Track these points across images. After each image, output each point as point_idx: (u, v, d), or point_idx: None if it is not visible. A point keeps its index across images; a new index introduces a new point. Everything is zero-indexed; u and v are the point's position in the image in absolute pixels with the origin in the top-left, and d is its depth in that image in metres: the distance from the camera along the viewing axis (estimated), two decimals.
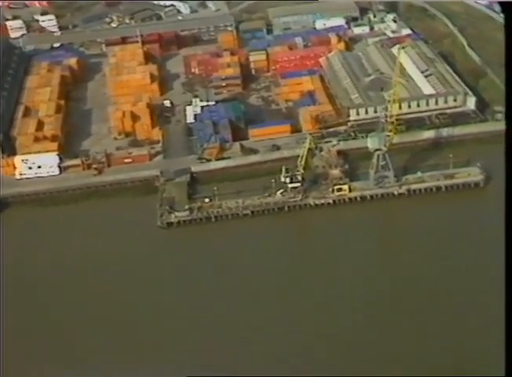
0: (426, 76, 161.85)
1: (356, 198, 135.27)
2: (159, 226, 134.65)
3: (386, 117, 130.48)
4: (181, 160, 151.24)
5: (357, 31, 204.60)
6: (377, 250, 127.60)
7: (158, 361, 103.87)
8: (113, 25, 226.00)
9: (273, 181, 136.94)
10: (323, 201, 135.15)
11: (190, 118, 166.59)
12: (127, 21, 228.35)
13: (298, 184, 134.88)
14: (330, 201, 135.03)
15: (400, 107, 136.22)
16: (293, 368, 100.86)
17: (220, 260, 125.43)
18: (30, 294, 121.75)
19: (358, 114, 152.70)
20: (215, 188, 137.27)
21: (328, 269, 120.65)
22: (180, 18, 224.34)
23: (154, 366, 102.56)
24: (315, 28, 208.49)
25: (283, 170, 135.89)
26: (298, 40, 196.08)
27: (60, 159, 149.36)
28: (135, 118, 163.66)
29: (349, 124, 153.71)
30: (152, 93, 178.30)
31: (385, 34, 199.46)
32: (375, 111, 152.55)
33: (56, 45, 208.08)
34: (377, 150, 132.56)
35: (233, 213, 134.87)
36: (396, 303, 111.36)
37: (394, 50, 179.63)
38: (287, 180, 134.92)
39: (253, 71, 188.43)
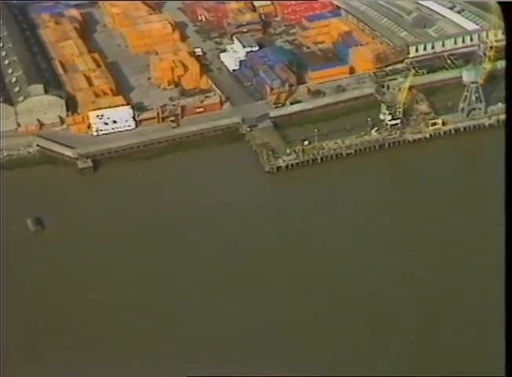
0: (458, 12, 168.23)
1: (450, 131, 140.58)
2: (267, 171, 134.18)
3: (486, 48, 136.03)
4: (250, 106, 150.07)
5: None
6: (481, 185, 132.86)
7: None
8: None
9: (369, 119, 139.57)
10: (420, 136, 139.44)
11: (232, 65, 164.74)
12: None
13: (398, 121, 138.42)
14: (427, 135, 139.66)
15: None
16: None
17: (336, 201, 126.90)
18: (130, 251, 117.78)
19: (417, 51, 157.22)
20: (316, 130, 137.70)
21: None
22: None
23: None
24: None
25: (383, 107, 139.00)
26: None
27: (134, 112, 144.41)
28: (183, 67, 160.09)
29: (407, 61, 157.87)
30: (174, 43, 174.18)
31: None
32: (432, 47, 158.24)
33: None
34: (473, 82, 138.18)
35: (337, 153, 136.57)
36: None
37: None
38: (388, 117, 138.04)
39: (262, 17, 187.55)
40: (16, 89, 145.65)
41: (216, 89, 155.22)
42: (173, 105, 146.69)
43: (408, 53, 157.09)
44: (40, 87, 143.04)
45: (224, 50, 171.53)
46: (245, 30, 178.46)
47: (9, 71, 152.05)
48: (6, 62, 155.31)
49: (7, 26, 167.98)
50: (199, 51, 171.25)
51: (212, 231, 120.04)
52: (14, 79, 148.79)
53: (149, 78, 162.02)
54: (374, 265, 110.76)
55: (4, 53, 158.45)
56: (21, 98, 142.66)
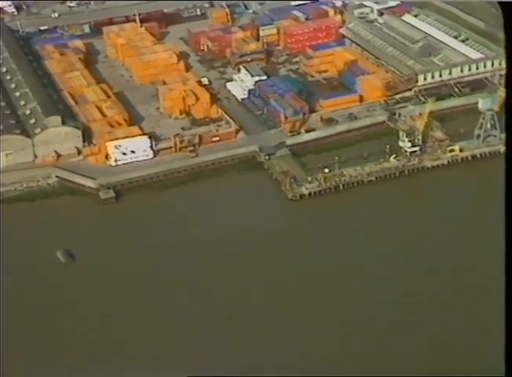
0: (462, 41, 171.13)
1: (467, 157, 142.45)
2: (290, 199, 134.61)
3: (501, 77, 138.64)
4: (264, 135, 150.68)
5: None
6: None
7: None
8: (70, 5, 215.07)
9: (388, 146, 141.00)
10: (438, 162, 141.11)
11: (241, 94, 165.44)
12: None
13: (418, 148, 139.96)
14: (445, 162, 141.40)
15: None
16: None
17: (360, 227, 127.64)
18: (158, 282, 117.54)
19: (425, 79, 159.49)
20: (336, 158, 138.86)
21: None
22: None
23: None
24: None
25: (402, 134, 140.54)
26: (298, 13, 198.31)
27: (151, 142, 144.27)
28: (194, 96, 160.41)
29: (415, 89, 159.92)
30: (179, 73, 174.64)
31: (364, 5, 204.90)
32: (440, 76, 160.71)
33: (43, 27, 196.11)
34: (488, 110, 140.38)
35: (358, 180, 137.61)
36: None
37: (406, 18, 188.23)
38: (408, 144, 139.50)
39: (264, 46, 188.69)
40: (32, 121, 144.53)
41: (228, 118, 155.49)
42: (192, 135, 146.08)
43: (417, 81, 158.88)
44: (58, 119, 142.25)
45: (230, 80, 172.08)
46: (249, 59, 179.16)
47: (22, 103, 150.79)
48: (17, 94, 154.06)
49: (14, 58, 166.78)
50: (205, 80, 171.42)
51: (241, 259, 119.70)
52: (28, 111, 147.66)
53: (158, 108, 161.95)
54: (391, 282, 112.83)
55: (14, 86, 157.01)
56: (38, 130, 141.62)
